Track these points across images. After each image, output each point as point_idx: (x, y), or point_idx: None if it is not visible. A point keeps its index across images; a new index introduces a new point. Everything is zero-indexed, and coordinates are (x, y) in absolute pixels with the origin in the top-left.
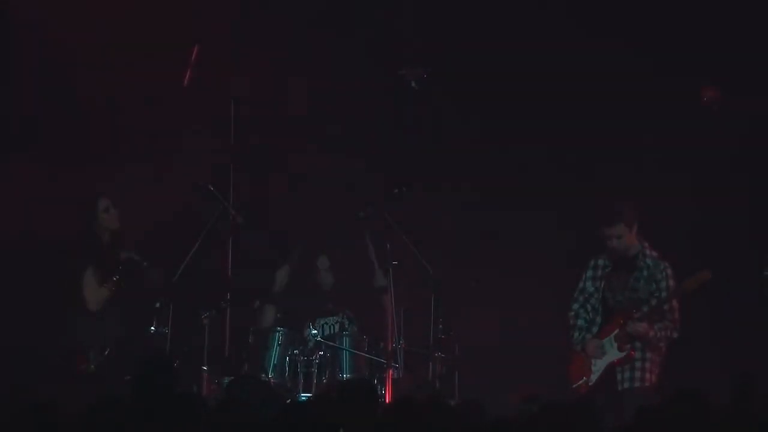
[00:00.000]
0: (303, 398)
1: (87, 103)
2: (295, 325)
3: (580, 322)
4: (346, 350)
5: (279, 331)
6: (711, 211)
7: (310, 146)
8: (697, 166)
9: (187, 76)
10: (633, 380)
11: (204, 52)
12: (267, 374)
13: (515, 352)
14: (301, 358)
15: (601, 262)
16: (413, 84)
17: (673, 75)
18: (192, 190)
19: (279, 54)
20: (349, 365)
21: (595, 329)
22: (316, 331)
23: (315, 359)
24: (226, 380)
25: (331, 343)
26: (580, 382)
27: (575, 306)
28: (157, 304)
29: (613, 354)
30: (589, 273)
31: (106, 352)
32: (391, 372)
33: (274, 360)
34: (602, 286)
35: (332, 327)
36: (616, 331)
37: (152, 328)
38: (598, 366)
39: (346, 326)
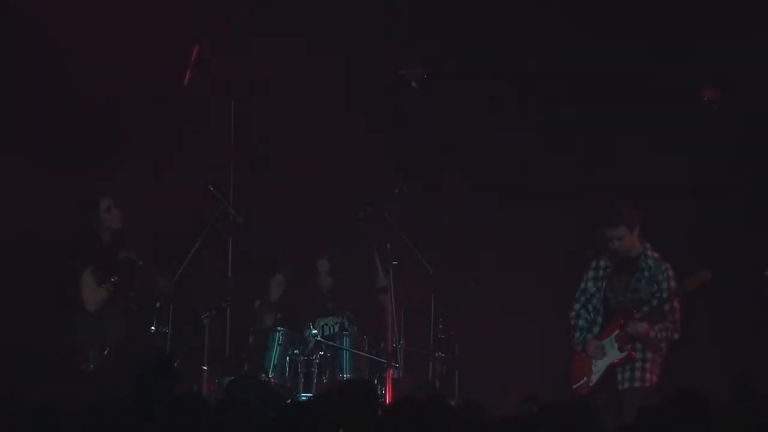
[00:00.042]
0: (303, 398)
1: (87, 103)
2: (295, 325)
3: (581, 322)
4: (346, 350)
5: (279, 331)
6: (711, 211)
7: (310, 146)
8: (697, 166)
9: (187, 76)
10: (633, 380)
11: (204, 52)
12: (267, 374)
13: (515, 352)
14: (301, 358)
15: (602, 262)
16: (413, 84)
17: (673, 75)
18: (196, 190)
19: (279, 54)
20: (349, 365)
21: (596, 330)
22: (316, 331)
23: (315, 359)
24: (226, 380)
25: (332, 343)
26: (581, 382)
27: (576, 306)
28: (157, 304)
29: (613, 354)
30: (591, 273)
31: (106, 352)
32: (391, 372)
33: (274, 360)
34: (604, 286)
35: (332, 327)
36: (616, 332)
37: (152, 328)
38: (599, 366)
39: (346, 326)
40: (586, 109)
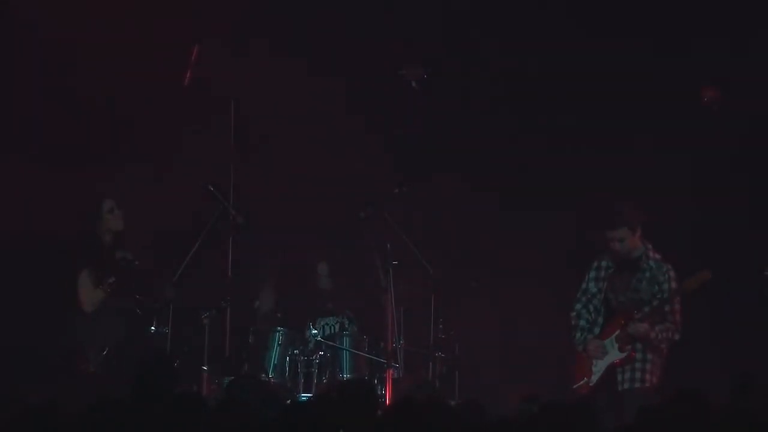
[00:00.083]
0: (303, 398)
1: (87, 103)
2: (296, 325)
3: (582, 322)
4: (346, 350)
5: (279, 331)
6: (711, 211)
7: (310, 146)
8: (697, 166)
9: (187, 76)
10: (633, 381)
11: (204, 52)
12: (267, 374)
13: (515, 352)
14: (302, 358)
15: (604, 263)
16: (413, 84)
17: (673, 75)
18: (196, 190)
19: (279, 54)
20: (349, 365)
21: (596, 330)
22: (316, 331)
23: (315, 359)
24: (226, 380)
25: (332, 343)
26: (581, 382)
27: (578, 306)
28: (157, 305)
29: (614, 354)
30: (592, 274)
31: (105, 352)
32: (391, 372)
33: (274, 360)
34: (605, 287)
35: (333, 327)
36: (617, 332)
37: (152, 328)
38: (599, 366)
39: (347, 326)
40: (585, 109)
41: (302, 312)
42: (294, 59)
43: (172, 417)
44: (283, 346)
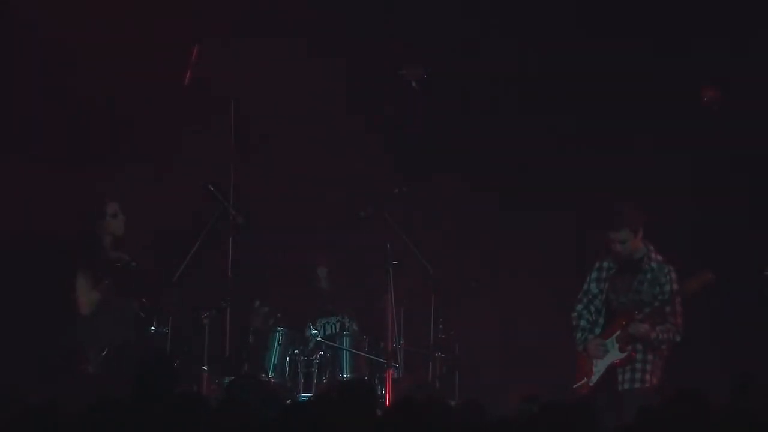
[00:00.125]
0: (303, 398)
1: (87, 103)
2: (295, 325)
3: (582, 323)
4: (346, 350)
5: (279, 331)
6: (711, 211)
7: (310, 146)
8: (697, 166)
9: (187, 76)
10: (633, 381)
11: (204, 52)
12: (267, 374)
13: (515, 352)
14: (302, 358)
15: (606, 264)
16: (413, 84)
17: (673, 75)
18: (196, 190)
19: (279, 54)
20: (349, 365)
21: (597, 330)
22: (316, 331)
23: (315, 359)
24: (226, 380)
25: (332, 343)
26: (581, 382)
27: (579, 307)
28: (157, 305)
29: (614, 354)
30: (594, 274)
31: (105, 352)
32: (391, 372)
33: (274, 360)
34: (606, 287)
35: (333, 326)
36: (618, 332)
37: (152, 328)
38: (599, 366)
39: (347, 325)
40: (586, 109)
41: (302, 312)
42: (294, 59)
43: (172, 417)
44: (283, 346)
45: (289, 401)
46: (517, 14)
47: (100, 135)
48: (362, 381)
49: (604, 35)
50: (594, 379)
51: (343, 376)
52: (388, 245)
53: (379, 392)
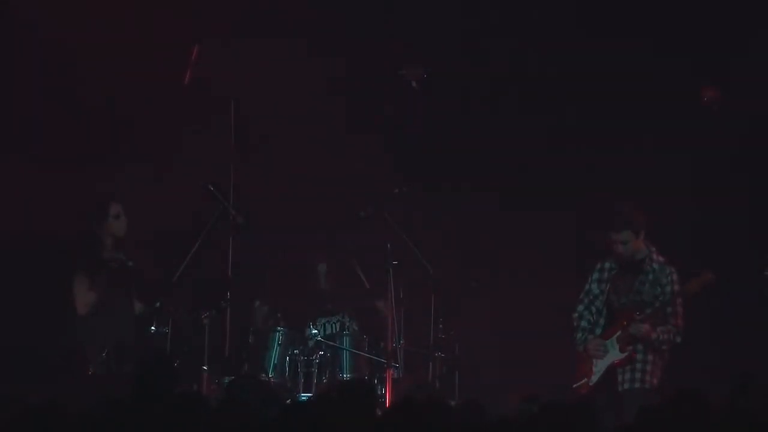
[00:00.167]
0: (303, 398)
1: (87, 103)
2: (296, 325)
3: (583, 323)
4: (346, 350)
5: (279, 331)
6: (711, 211)
7: (310, 146)
8: (697, 166)
9: (187, 76)
10: (633, 381)
11: (204, 52)
12: (267, 374)
13: (515, 352)
14: (301, 358)
15: (607, 264)
16: (413, 84)
17: (673, 75)
18: (196, 190)
19: (279, 54)
20: (349, 365)
21: (598, 331)
22: (316, 331)
23: (315, 359)
24: (226, 380)
25: (332, 343)
26: (581, 382)
27: (580, 307)
28: (157, 304)
29: (614, 355)
30: (596, 275)
31: (105, 352)
32: (391, 372)
33: (274, 360)
34: (607, 288)
35: (333, 326)
36: (618, 333)
37: (152, 328)
38: (599, 367)
39: (347, 325)
40: (586, 109)
41: (302, 312)
42: (294, 59)
43: (172, 417)
44: (283, 346)
45: (289, 401)
46: (516, 14)
47: (100, 135)
48: (362, 381)
49: (604, 35)
50: (594, 379)
51: (343, 376)
52: (388, 245)
53: (379, 392)
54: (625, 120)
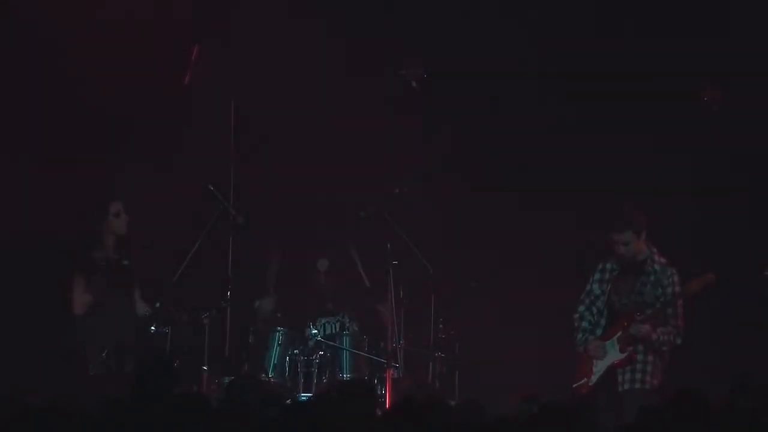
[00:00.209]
0: (303, 398)
1: (87, 103)
2: (296, 325)
3: (584, 324)
4: (346, 350)
5: (279, 331)
6: (711, 211)
7: (310, 146)
8: (697, 166)
9: (187, 76)
10: (633, 381)
11: (204, 52)
12: (267, 374)
13: (515, 352)
14: (301, 358)
15: (609, 265)
16: (413, 84)
17: (673, 75)
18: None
19: (279, 54)
20: (349, 365)
21: (599, 331)
22: (316, 331)
23: (315, 359)
24: (226, 380)
25: (332, 343)
26: (581, 382)
27: (581, 308)
28: (157, 304)
29: (614, 355)
30: (597, 276)
31: (105, 353)
32: (391, 372)
33: (274, 360)
34: (609, 289)
35: (333, 326)
36: (619, 333)
37: (152, 328)
38: (599, 367)
39: (347, 325)
40: (586, 108)
41: (302, 312)
42: (294, 59)
43: (172, 417)
44: (283, 346)
45: (289, 401)
46: (517, 14)
47: (100, 135)
48: (362, 381)
49: (605, 35)
50: (594, 379)
51: (343, 376)
52: (388, 245)
53: (379, 392)
54: (625, 120)
